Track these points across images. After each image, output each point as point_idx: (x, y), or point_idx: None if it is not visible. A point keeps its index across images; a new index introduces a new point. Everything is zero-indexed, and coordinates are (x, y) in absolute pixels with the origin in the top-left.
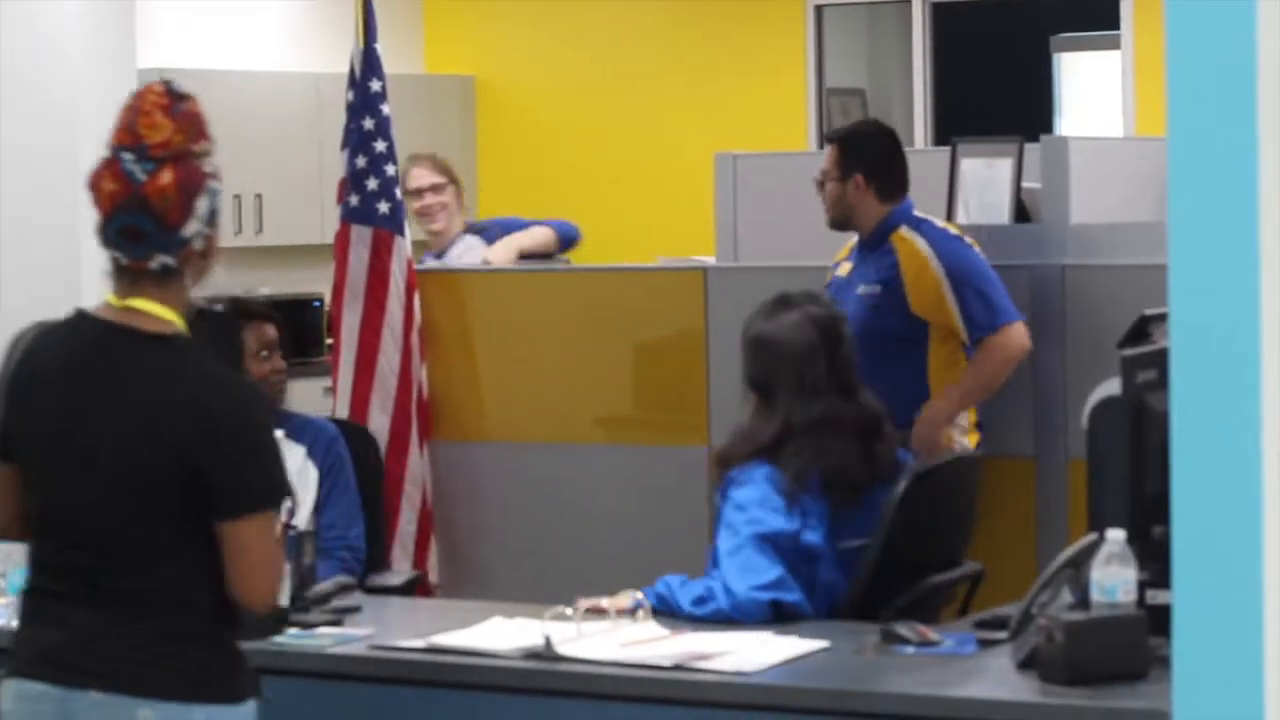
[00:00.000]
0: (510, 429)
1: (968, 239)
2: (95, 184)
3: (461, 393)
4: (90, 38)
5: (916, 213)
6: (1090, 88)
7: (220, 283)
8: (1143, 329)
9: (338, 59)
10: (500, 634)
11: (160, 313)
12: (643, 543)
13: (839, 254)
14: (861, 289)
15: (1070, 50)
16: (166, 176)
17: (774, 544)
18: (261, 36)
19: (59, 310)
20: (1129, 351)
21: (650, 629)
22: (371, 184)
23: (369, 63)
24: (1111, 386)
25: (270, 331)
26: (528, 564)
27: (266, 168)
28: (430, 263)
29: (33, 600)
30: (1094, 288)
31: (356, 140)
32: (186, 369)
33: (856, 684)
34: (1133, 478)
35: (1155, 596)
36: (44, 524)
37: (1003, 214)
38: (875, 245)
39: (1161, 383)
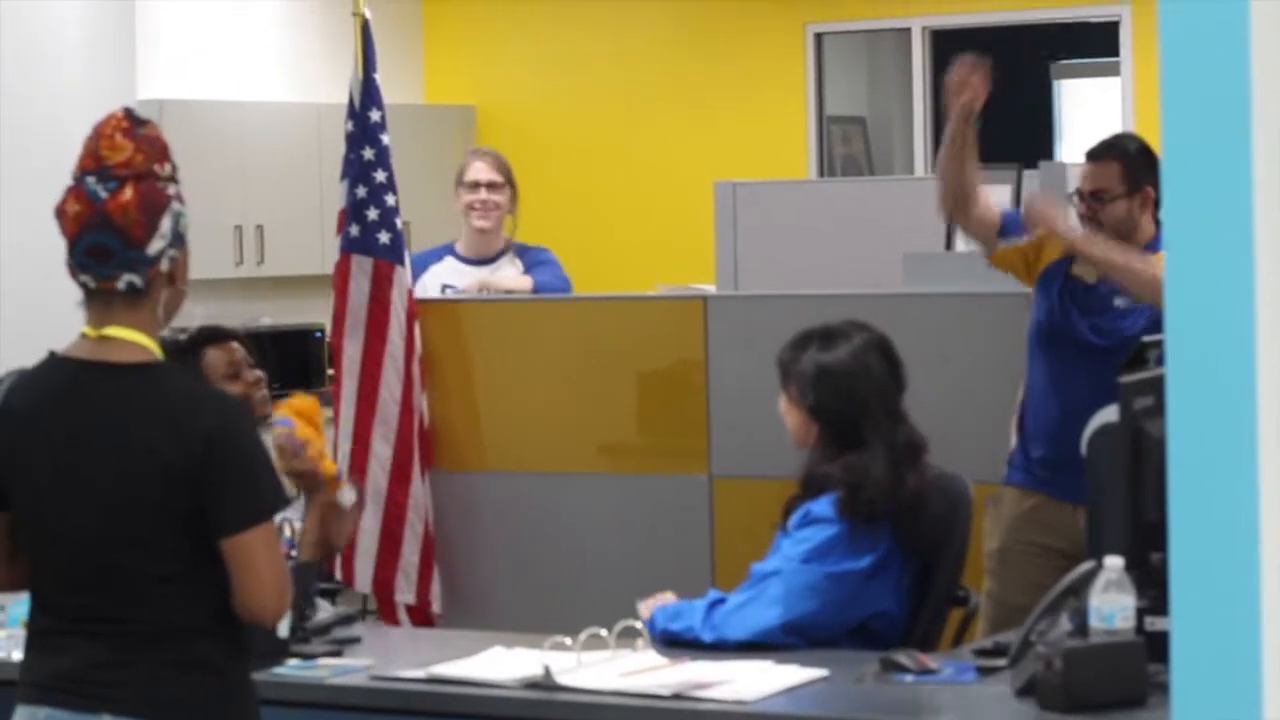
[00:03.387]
0: (511, 458)
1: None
2: (60, 210)
3: (462, 422)
4: (91, 70)
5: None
6: (1090, 114)
7: (222, 313)
8: (1141, 355)
9: (337, 89)
10: (500, 664)
11: (135, 338)
12: (644, 571)
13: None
14: (1120, 302)
15: (1070, 77)
16: (128, 193)
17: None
18: (261, 67)
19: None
20: (1127, 378)
21: (650, 658)
22: (372, 214)
23: (368, 93)
24: (1110, 413)
25: (235, 350)
26: (529, 593)
27: (267, 198)
28: (449, 264)
29: (38, 637)
30: None
31: (356, 170)
32: (165, 393)
33: (856, 713)
34: (1130, 505)
35: (1154, 623)
36: (45, 567)
37: None
38: None
39: (1159, 409)
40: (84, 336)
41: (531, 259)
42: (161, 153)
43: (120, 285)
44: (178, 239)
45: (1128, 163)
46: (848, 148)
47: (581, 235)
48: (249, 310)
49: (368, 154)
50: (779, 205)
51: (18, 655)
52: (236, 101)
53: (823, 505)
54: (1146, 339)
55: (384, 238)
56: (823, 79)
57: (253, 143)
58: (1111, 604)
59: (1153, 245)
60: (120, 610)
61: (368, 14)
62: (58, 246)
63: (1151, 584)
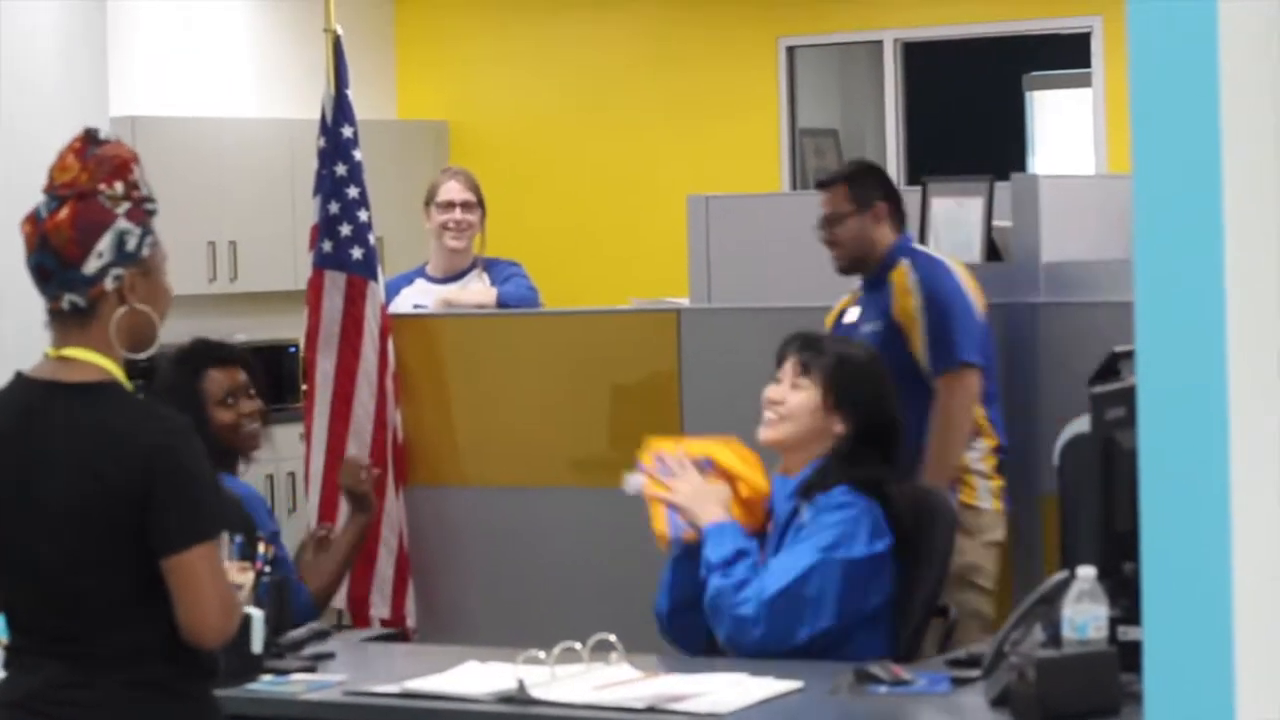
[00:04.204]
0: (485, 473)
1: (956, 273)
2: (21, 230)
3: (436, 437)
4: (63, 87)
5: (915, 245)
6: (1063, 125)
7: (194, 330)
8: (1112, 366)
9: (310, 105)
10: (474, 678)
11: (89, 358)
12: (619, 585)
13: (842, 302)
14: (867, 328)
15: (1043, 88)
16: (64, 213)
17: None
18: (233, 84)
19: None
20: (1098, 389)
21: (624, 671)
22: (345, 230)
23: (341, 108)
24: (1082, 424)
25: (237, 376)
26: (503, 607)
27: (239, 214)
28: (420, 286)
29: (13, 655)
30: (1065, 325)
31: (329, 186)
32: (110, 413)
33: None
34: (1103, 514)
35: (1126, 633)
36: (10, 586)
37: (974, 253)
38: (878, 283)
39: (1130, 420)
40: (45, 357)
41: (499, 273)
42: (114, 171)
43: (64, 305)
44: (124, 258)
45: (852, 183)
46: (820, 160)
47: (554, 249)
48: (222, 327)
49: (340, 170)
50: (752, 218)
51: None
52: (209, 118)
53: (850, 496)
54: (1118, 349)
55: (357, 253)
56: (795, 92)
57: (225, 159)
58: (1084, 614)
59: (894, 253)
60: (80, 631)
61: (339, 30)
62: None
63: (1124, 594)
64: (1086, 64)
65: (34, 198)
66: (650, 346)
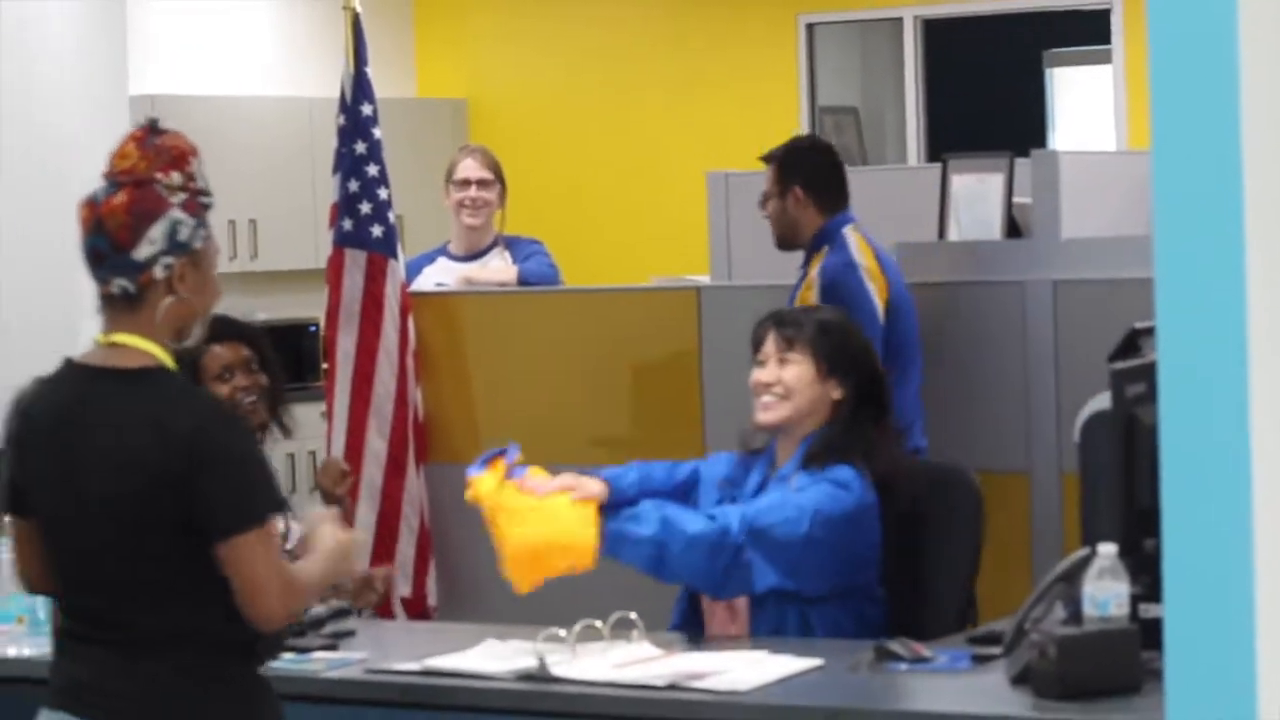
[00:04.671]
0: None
1: (863, 270)
2: (78, 214)
3: (457, 415)
4: (82, 67)
5: (849, 231)
6: (1083, 102)
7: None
8: (1133, 343)
9: (329, 83)
10: (494, 656)
11: (138, 344)
12: None
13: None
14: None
15: (1062, 65)
16: (120, 198)
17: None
18: (253, 62)
19: (56, 331)
20: (1118, 365)
21: (644, 649)
22: (365, 208)
23: (360, 86)
24: (1103, 401)
25: (240, 352)
26: None
27: (260, 193)
28: (441, 265)
29: (59, 639)
30: (1086, 302)
31: (349, 164)
32: (153, 397)
33: (850, 701)
34: (1123, 491)
35: (1147, 610)
36: (58, 571)
37: (994, 230)
38: (805, 264)
39: (1151, 396)
40: (95, 343)
41: (521, 251)
42: (172, 161)
43: (114, 290)
44: (176, 247)
45: (778, 165)
46: (840, 138)
47: (574, 227)
48: (242, 305)
49: (360, 148)
50: None
51: (12, 651)
52: (228, 96)
53: (846, 473)
54: (1138, 326)
55: (377, 231)
56: (815, 69)
57: (245, 138)
58: (1105, 591)
59: (820, 237)
60: (125, 616)
61: (358, 8)
62: (51, 243)
63: (1145, 571)
64: (1107, 40)
65: (53, 174)
66: (671, 324)
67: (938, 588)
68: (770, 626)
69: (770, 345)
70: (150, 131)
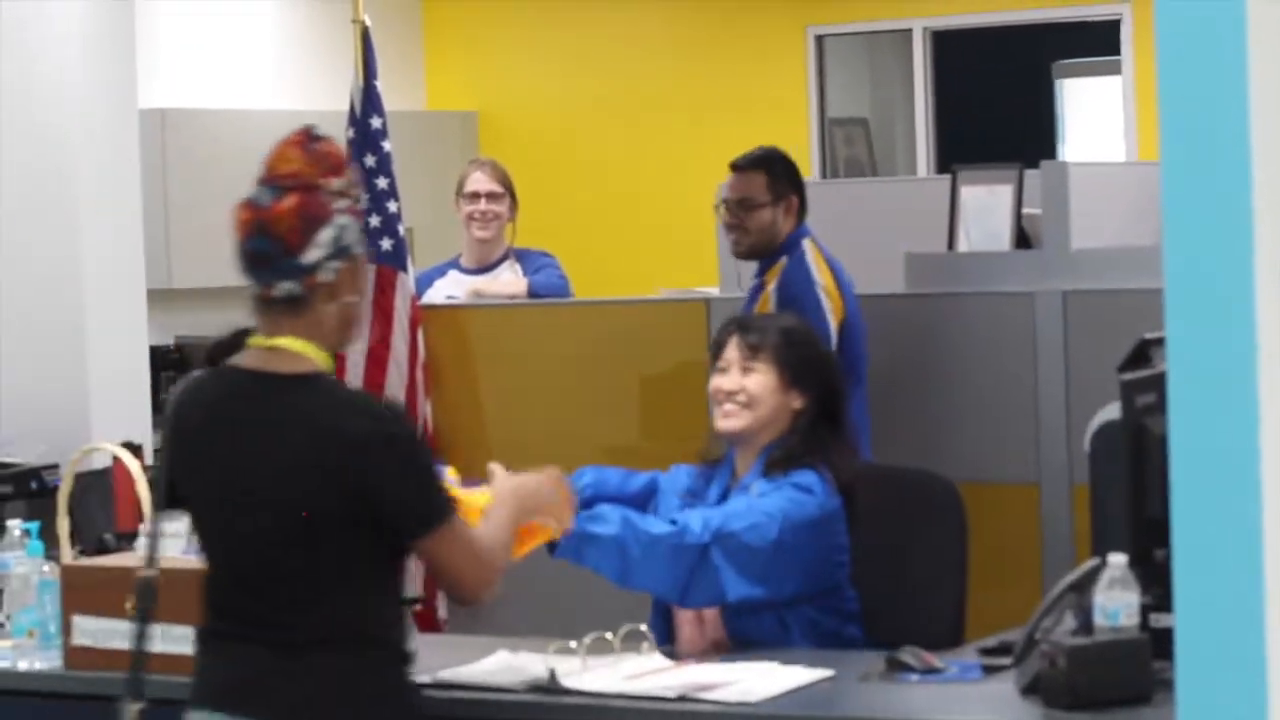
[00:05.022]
0: (515, 463)
1: (819, 286)
2: (233, 219)
3: (466, 427)
4: (91, 79)
5: (808, 245)
6: (1092, 113)
7: (226, 322)
8: (1143, 353)
9: (339, 96)
10: (505, 668)
11: (300, 349)
12: None
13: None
14: None
15: (1072, 76)
16: (289, 202)
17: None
18: (262, 75)
19: (58, 333)
20: (1128, 376)
21: (655, 661)
22: (374, 221)
23: (369, 99)
24: (1113, 411)
25: None
26: (533, 597)
27: None
28: (452, 277)
29: (208, 640)
30: (1095, 313)
31: (358, 178)
32: (324, 402)
33: (861, 712)
34: (1133, 502)
35: (1158, 620)
36: (214, 571)
37: (1004, 240)
38: (762, 273)
39: (1161, 407)
40: (253, 346)
41: (531, 263)
42: (333, 168)
43: (277, 293)
44: (341, 252)
45: (772, 174)
46: (850, 149)
47: (584, 239)
48: (252, 319)
49: (369, 161)
50: None
51: (23, 665)
52: (238, 110)
53: (809, 478)
54: (1148, 336)
55: (386, 244)
56: (824, 81)
57: (254, 151)
58: (1116, 601)
59: (786, 246)
60: (288, 617)
61: (368, 21)
62: (57, 251)
63: (1155, 581)
64: (1116, 51)
65: (59, 188)
66: (680, 336)
67: (924, 591)
68: (746, 633)
69: (733, 352)
70: (309, 138)
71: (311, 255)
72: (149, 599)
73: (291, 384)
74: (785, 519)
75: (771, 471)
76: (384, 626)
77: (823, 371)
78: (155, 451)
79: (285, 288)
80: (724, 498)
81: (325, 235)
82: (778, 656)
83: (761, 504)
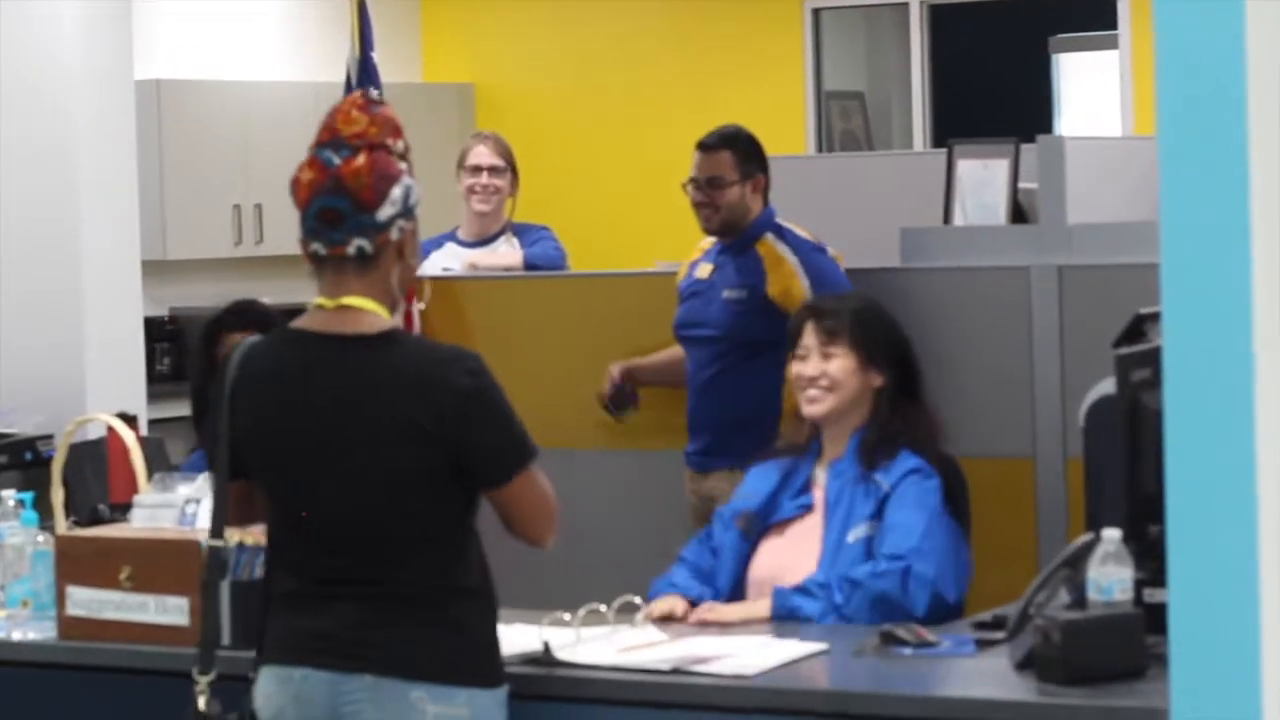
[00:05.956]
0: None
1: (829, 250)
2: (295, 181)
3: None
4: (88, 50)
5: (779, 220)
6: (1089, 88)
7: (220, 293)
8: (1138, 328)
9: (335, 68)
10: (499, 640)
11: (369, 307)
12: (643, 548)
13: (692, 254)
14: (727, 293)
15: (1068, 51)
16: (361, 159)
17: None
18: (258, 46)
19: (60, 312)
20: (1123, 351)
21: (649, 633)
22: None
23: (366, 71)
24: (1108, 386)
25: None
26: (527, 569)
27: (265, 178)
28: (449, 250)
29: (287, 599)
30: (1091, 287)
31: None
32: (409, 357)
33: (855, 686)
34: (1128, 477)
35: (1152, 595)
36: (296, 533)
37: (999, 215)
38: (742, 249)
39: (1156, 382)
40: (319, 308)
41: (529, 237)
42: (394, 130)
43: (350, 250)
44: (408, 211)
45: (739, 152)
46: (846, 123)
47: (581, 212)
48: (247, 290)
49: None
50: (777, 180)
51: (17, 635)
52: (234, 81)
53: (915, 460)
54: (1143, 311)
55: None
56: (821, 54)
57: (250, 122)
58: (1110, 576)
59: (759, 225)
60: (378, 572)
61: None
62: (52, 223)
63: (1149, 556)
64: (1112, 26)
65: (58, 157)
66: (675, 309)
67: None
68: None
69: (810, 338)
70: (369, 101)
71: (386, 212)
72: (218, 570)
73: (372, 343)
74: (934, 517)
75: (874, 456)
76: (474, 577)
77: (898, 346)
78: (197, 419)
79: (358, 244)
80: (806, 487)
81: (397, 192)
82: (776, 628)
83: (911, 519)
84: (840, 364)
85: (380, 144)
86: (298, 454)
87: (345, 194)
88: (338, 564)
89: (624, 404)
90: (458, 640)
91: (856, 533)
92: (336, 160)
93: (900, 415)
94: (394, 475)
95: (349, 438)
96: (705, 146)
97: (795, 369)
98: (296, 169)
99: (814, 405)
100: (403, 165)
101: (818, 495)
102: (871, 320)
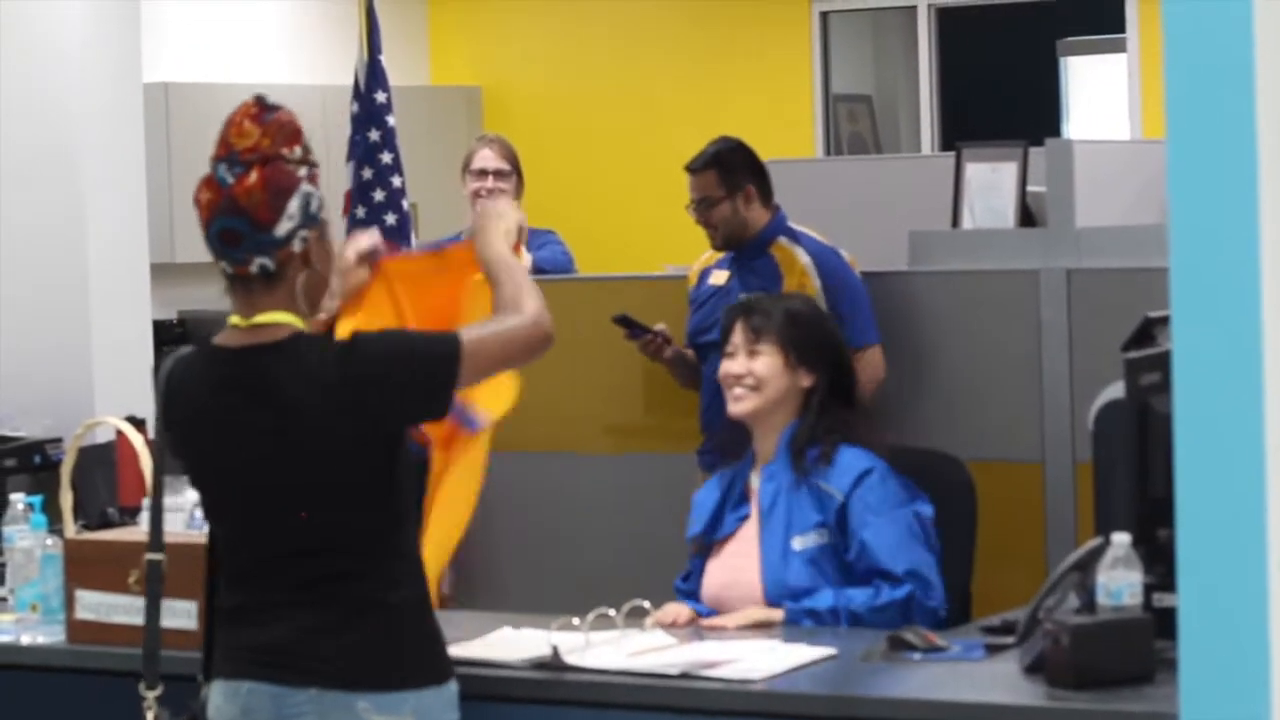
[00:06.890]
0: (518, 439)
1: (843, 253)
2: (196, 199)
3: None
4: (95, 53)
5: (791, 223)
6: (1098, 91)
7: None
8: (1147, 331)
9: (343, 71)
10: (508, 644)
11: (281, 319)
12: (651, 552)
13: (704, 262)
14: (745, 297)
15: (1077, 54)
16: (253, 176)
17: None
18: (266, 49)
19: (64, 316)
20: (1133, 354)
21: (657, 638)
22: (378, 195)
23: (374, 74)
24: (1117, 390)
25: None
26: (536, 574)
27: None
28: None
29: (234, 614)
30: (1100, 291)
31: (362, 152)
32: (315, 357)
33: (864, 690)
34: (1137, 481)
35: (1161, 599)
36: (242, 543)
37: (1008, 219)
38: (755, 254)
39: (1165, 385)
40: (234, 327)
41: (535, 241)
42: (291, 136)
43: (254, 269)
44: (309, 220)
45: (721, 169)
46: (854, 126)
47: (588, 215)
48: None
49: (374, 135)
50: (785, 184)
51: (26, 639)
52: (242, 84)
53: (860, 456)
54: (1152, 314)
55: (390, 219)
56: (829, 58)
57: None
58: (1119, 580)
59: (771, 230)
60: (317, 584)
61: None
62: (61, 226)
63: (1159, 560)
64: (1121, 29)
65: (65, 161)
66: (684, 312)
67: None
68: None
69: (738, 336)
70: (262, 108)
71: (284, 227)
72: (157, 582)
73: (277, 350)
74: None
75: (804, 457)
76: (409, 579)
77: (829, 349)
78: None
79: (260, 263)
80: (744, 496)
81: (294, 205)
82: (784, 631)
83: (890, 528)
84: (766, 362)
85: (274, 155)
86: (228, 473)
87: (241, 214)
88: (278, 572)
89: (637, 335)
90: (398, 645)
91: (803, 541)
92: (230, 179)
93: (833, 416)
94: (325, 475)
95: (276, 450)
96: (690, 170)
97: (722, 367)
98: (196, 186)
99: (738, 404)
100: (301, 172)
101: (754, 504)
102: (802, 320)
